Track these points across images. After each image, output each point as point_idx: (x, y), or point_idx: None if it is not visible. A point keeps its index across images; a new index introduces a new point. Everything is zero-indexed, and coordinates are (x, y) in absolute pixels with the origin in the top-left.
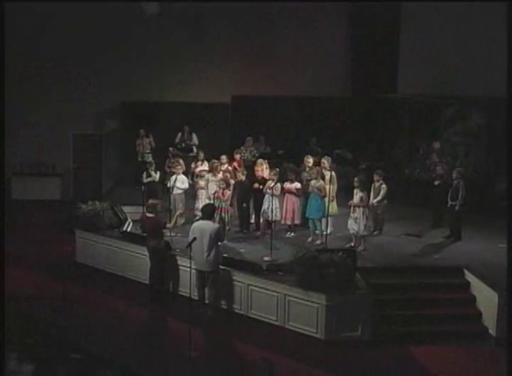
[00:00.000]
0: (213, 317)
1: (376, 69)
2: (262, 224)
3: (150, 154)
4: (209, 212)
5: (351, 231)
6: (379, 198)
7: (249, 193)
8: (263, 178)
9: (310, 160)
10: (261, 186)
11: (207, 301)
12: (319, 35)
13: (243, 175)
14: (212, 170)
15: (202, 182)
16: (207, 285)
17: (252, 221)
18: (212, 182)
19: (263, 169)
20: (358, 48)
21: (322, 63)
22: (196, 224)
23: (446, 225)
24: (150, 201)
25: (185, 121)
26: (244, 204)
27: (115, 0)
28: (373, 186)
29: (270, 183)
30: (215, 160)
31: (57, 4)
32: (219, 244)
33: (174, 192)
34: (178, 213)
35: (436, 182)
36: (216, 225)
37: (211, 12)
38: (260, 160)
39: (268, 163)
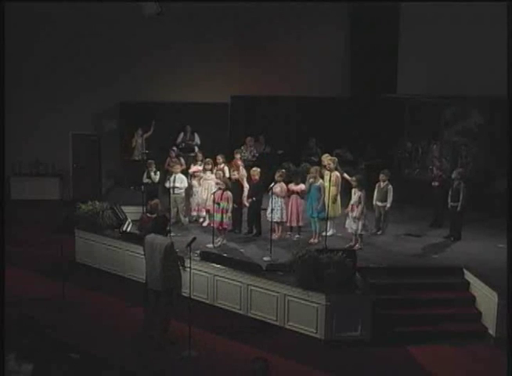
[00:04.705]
0: (161, 344)
1: (376, 69)
2: (273, 226)
3: (145, 154)
4: (160, 225)
5: (349, 230)
6: (390, 200)
7: (241, 193)
8: (257, 182)
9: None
10: (254, 199)
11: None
12: (319, 35)
13: (238, 175)
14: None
15: (196, 182)
16: (157, 307)
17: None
18: (206, 181)
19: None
20: (358, 48)
21: (322, 63)
22: (147, 237)
23: (446, 226)
24: (152, 202)
25: (185, 121)
26: (252, 199)
27: (115, 0)
28: (377, 185)
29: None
30: (208, 160)
31: (57, 4)
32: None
33: (175, 192)
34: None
35: (434, 183)
36: (168, 240)
37: (211, 12)
38: (254, 169)
39: (268, 163)
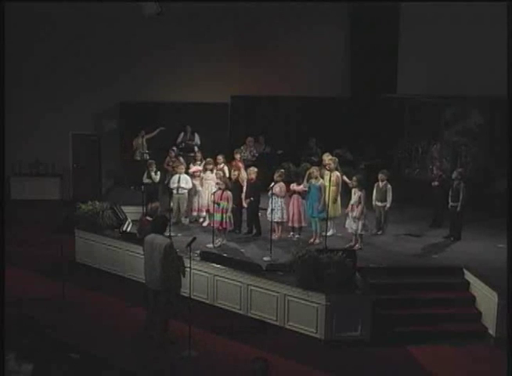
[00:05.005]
0: (161, 344)
1: (376, 69)
2: (273, 226)
3: (147, 154)
4: (159, 225)
5: (350, 230)
6: (389, 200)
7: (240, 193)
8: (255, 181)
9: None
10: (252, 198)
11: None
12: (319, 35)
13: (239, 176)
14: (206, 169)
15: (196, 182)
16: (157, 306)
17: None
18: (206, 181)
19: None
20: (358, 48)
21: (322, 63)
22: (147, 238)
23: (446, 226)
24: (152, 204)
25: (185, 121)
26: (249, 199)
27: (115, 0)
28: (376, 185)
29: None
30: (209, 160)
31: (57, 4)
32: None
33: (179, 192)
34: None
35: (433, 183)
36: (167, 240)
37: (211, 12)
38: (251, 168)
39: (268, 163)
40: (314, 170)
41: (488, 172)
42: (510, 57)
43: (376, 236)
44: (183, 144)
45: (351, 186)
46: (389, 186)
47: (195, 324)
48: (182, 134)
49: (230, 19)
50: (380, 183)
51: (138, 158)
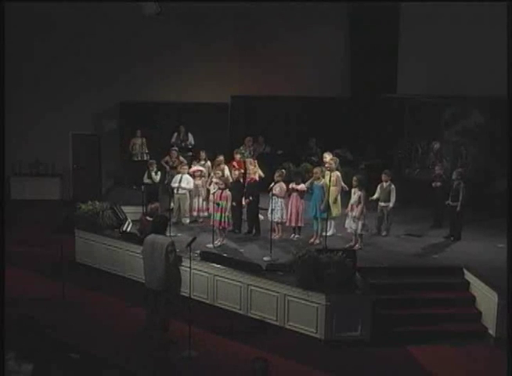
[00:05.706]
0: (161, 343)
1: (376, 69)
2: (273, 226)
3: (147, 154)
4: (160, 224)
5: (349, 230)
6: (393, 200)
7: (241, 193)
8: (255, 181)
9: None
10: (251, 198)
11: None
12: (319, 35)
13: (239, 175)
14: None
15: (197, 182)
16: (157, 306)
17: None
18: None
19: (256, 172)
20: (358, 48)
21: (322, 63)
22: (147, 238)
23: (446, 226)
24: (152, 205)
25: (185, 121)
26: (249, 198)
27: (115, 0)
28: (380, 186)
29: (272, 185)
30: (218, 160)
31: (57, 4)
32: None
33: (180, 192)
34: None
35: (434, 184)
36: (169, 239)
37: (211, 12)
38: (252, 168)
39: (268, 163)
40: (318, 171)
41: (488, 172)
42: (510, 57)
43: (376, 236)
44: (183, 144)
45: (346, 189)
46: (393, 186)
47: (195, 324)
48: (176, 134)
49: (230, 19)
50: (384, 184)
51: (138, 158)
